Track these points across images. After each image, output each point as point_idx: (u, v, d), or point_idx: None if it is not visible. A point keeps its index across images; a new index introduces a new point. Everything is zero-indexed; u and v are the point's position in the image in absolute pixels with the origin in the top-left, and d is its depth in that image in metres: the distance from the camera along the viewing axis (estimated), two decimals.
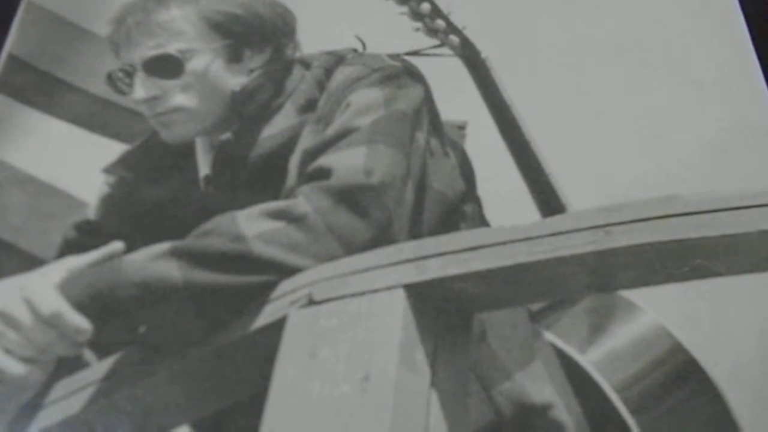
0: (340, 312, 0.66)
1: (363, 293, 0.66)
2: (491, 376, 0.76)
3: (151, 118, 0.85)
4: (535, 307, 0.83)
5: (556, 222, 0.64)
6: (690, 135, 0.90)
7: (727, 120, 0.90)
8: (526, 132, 0.93)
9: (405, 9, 0.97)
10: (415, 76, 0.85)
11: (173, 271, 0.70)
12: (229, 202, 0.77)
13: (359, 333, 0.64)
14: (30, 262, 0.85)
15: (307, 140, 0.81)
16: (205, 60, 0.84)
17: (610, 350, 0.81)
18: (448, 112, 0.86)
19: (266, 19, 0.87)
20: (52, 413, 0.72)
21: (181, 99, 0.84)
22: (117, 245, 0.75)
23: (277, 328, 0.68)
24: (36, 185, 0.93)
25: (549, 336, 0.82)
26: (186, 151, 0.87)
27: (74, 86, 0.98)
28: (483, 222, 0.85)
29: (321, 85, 0.85)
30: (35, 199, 0.92)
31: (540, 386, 0.77)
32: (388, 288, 0.66)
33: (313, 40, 0.90)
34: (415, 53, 0.93)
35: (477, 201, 0.86)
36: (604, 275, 0.64)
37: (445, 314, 0.67)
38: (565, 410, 0.77)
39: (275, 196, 0.80)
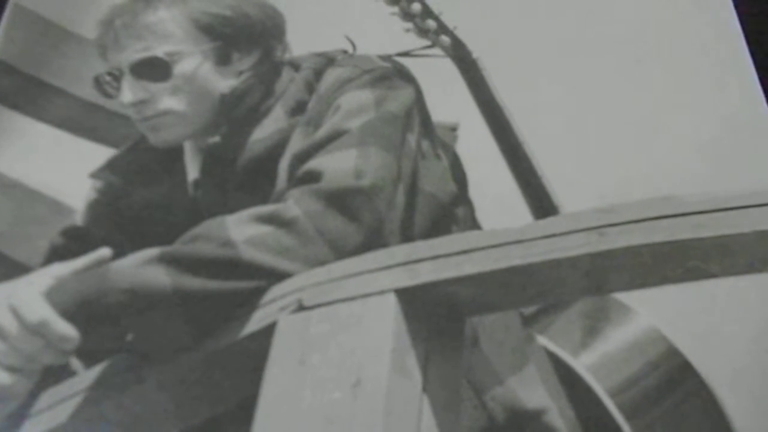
0: (330, 317, 0.65)
1: (354, 298, 0.66)
2: (484, 381, 0.75)
3: (138, 122, 0.84)
4: (528, 310, 0.83)
5: (550, 224, 0.64)
6: (684, 135, 0.90)
7: (722, 120, 0.90)
8: (518, 133, 0.92)
9: (396, 9, 0.96)
10: (405, 77, 0.84)
11: (162, 277, 0.69)
12: (218, 206, 0.76)
13: (350, 339, 0.63)
14: (16, 269, 0.85)
15: (296, 143, 0.81)
16: (194, 62, 0.84)
17: (604, 354, 0.81)
18: (439, 114, 0.86)
19: (255, 21, 0.86)
20: (38, 423, 0.71)
21: (169, 102, 0.83)
22: (104, 251, 0.74)
23: (266, 334, 0.67)
24: (22, 190, 0.92)
25: (542, 340, 0.82)
26: (174, 154, 0.86)
27: (61, 90, 0.97)
28: (475, 225, 0.85)
29: (311, 87, 0.84)
30: (21, 205, 0.92)
31: (533, 391, 0.76)
32: (380, 292, 0.65)
33: (302, 41, 0.89)
34: (405, 54, 0.92)
35: (469, 203, 0.85)
36: (599, 277, 0.63)
37: (437, 319, 0.66)
38: (558, 415, 0.76)
39: (265, 200, 0.79)
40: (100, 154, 0.90)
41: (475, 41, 0.95)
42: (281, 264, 0.70)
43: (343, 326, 0.64)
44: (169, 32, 0.83)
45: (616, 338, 0.82)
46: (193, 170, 0.86)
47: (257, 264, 0.70)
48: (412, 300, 0.65)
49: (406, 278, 0.65)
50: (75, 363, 0.75)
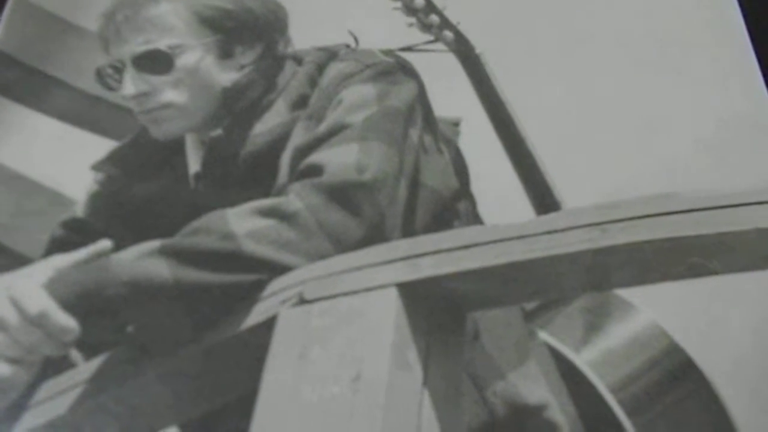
0: (331, 311, 0.65)
1: (355, 292, 0.66)
2: (485, 376, 0.75)
3: (140, 115, 0.84)
4: (530, 306, 0.83)
5: (552, 220, 0.64)
6: (686, 132, 0.89)
7: (725, 117, 0.89)
8: (520, 128, 0.92)
9: (399, 4, 0.96)
10: (408, 71, 0.84)
11: (162, 269, 0.69)
12: (219, 199, 0.76)
13: (351, 332, 0.63)
14: (16, 260, 0.85)
15: (298, 137, 0.81)
16: (196, 56, 0.84)
17: (605, 350, 0.81)
18: (441, 109, 0.85)
19: (258, 15, 0.86)
20: (38, 414, 0.71)
21: (170, 95, 0.83)
22: (105, 243, 0.74)
23: (267, 327, 0.67)
24: (23, 182, 0.92)
25: (543, 335, 0.82)
26: (176, 147, 0.86)
27: (62, 82, 0.97)
28: (477, 220, 0.85)
29: (313, 82, 0.84)
30: (22, 197, 0.91)
31: (534, 386, 0.76)
32: (381, 287, 0.65)
33: (305, 35, 0.89)
34: (408, 49, 0.92)
35: (471, 198, 0.85)
36: (600, 274, 0.63)
37: (439, 313, 0.66)
38: (559, 411, 0.76)
39: (266, 194, 0.79)
40: (102, 146, 0.90)
41: (478, 36, 0.95)
42: (282, 257, 0.70)
43: (343, 320, 0.64)
44: (171, 25, 0.83)
45: (617, 334, 0.82)
46: (194, 163, 0.86)
47: (258, 257, 0.70)
48: (413, 294, 0.65)
49: (407, 273, 0.65)
50: (75, 355, 0.75)
